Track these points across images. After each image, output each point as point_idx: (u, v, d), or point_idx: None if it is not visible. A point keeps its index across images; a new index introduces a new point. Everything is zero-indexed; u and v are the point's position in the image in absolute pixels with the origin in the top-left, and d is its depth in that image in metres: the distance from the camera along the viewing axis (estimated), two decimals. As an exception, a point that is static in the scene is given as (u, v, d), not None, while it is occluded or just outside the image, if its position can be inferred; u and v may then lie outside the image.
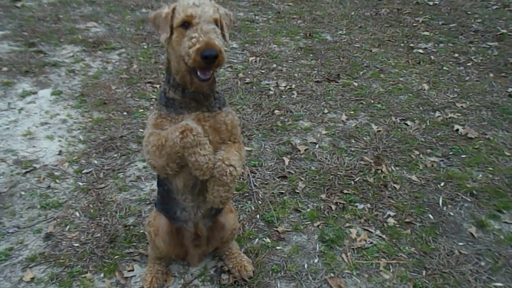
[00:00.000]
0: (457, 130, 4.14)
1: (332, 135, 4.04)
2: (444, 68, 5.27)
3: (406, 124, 4.22)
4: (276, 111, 4.33)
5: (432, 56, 5.53)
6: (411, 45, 5.81)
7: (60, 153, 3.76)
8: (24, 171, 3.53)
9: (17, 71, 4.94)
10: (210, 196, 2.08)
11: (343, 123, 4.22)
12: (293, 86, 4.77)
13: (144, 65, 5.09)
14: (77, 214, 3.12)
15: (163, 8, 2.02)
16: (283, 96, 4.58)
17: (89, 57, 5.30)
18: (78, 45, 5.59)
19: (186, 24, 1.90)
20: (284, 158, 3.72)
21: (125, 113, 4.26)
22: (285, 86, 4.75)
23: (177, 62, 1.98)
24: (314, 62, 5.26)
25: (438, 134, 4.08)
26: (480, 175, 3.57)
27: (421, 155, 3.80)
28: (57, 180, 3.44)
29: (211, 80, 1.97)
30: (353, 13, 6.83)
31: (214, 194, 2.06)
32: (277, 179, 3.49)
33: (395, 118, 4.29)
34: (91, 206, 3.19)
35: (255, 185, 3.41)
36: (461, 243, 2.95)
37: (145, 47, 5.54)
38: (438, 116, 4.35)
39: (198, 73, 1.90)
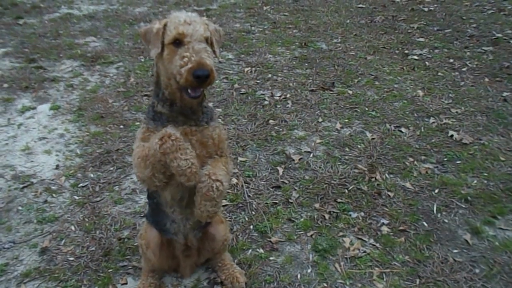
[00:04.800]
0: (452, 136, 4.15)
1: (326, 143, 4.06)
2: (439, 74, 5.29)
3: (401, 131, 4.23)
4: (270, 121, 4.36)
5: (427, 62, 5.55)
6: (406, 51, 5.84)
7: (57, 167, 3.80)
8: (21, 186, 3.58)
9: (17, 87, 5.01)
10: (197, 211, 2.09)
11: (337, 132, 4.24)
12: (288, 95, 4.80)
13: (141, 78, 5.15)
14: (73, 228, 3.15)
15: (153, 23, 2.05)
16: (278, 106, 4.62)
17: (88, 72, 5.37)
18: (77, 60, 5.66)
19: (178, 42, 1.94)
20: (278, 168, 3.74)
21: (121, 126, 4.30)
22: (280, 96, 4.79)
23: (167, 78, 2.01)
24: (309, 71, 5.30)
25: (433, 141, 4.09)
26: (475, 181, 3.58)
27: (415, 162, 3.81)
28: (54, 195, 3.48)
29: (201, 97, 2.00)
30: (348, 21, 6.87)
31: (201, 209, 2.07)
32: (271, 189, 3.51)
33: (390, 125, 4.31)
34: (86, 219, 3.22)
35: (249, 196, 3.43)
36: (455, 251, 2.95)
37: (142, 60, 5.61)
38: (433, 122, 4.36)
39: (189, 90, 1.94)
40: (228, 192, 3.45)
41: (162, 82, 2.06)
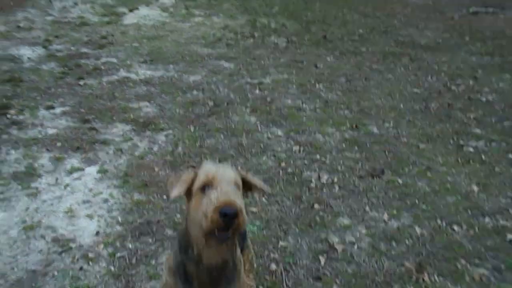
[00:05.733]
0: (511, 241, 3.86)
1: (372, 235, 3.88)
2: (496, 169, 5.03)
3: (453, 229, 3.98)
4: (316, 205, 4.23)
5: (483, 156, 5.32)
6: (461, 142, 5.63)
7: (97, 233, 3.80)
8: (60, 250, 3.58)
9: (69, 146, 5.17)
10: None
11: (384, 223, 4.05)
12: (335, 179, 4.68)
13: (189, 148, 5.20)
14: (104, 302, 3.08)
15: (183, 172, 2.06)
16: (324, 190, 4.50)
17: (138, 137, 5.48)
18: (129, 124, 5.81)
19: (206, 186, 1.91)
20: (320, 257, 3.58)
21: (164, 196, 4.29)
22: (327, 179, 4.67)
23: (194, 228, 1.95)
24: (359, 156, 5.19)
25: (488, 243, 3.82)
26: (537, 295, 3.27)
27: (468, 266, 3.54)
28: (90, 262, 3.45)
29: (231, 244, 1.93)
30: (401, 105, 6.79)
31: None
32: (311, 280, 3.34)
33: (441, 222, 4.07)
34: (118, 294, 3.14)
35: (287, 285, 3.27)
36: None
37: (192, 130, 5.68)
38: (488, 223, 4.09)
39: (216, 233, 1.83)
40: (265, 279, 3.31)
41: (192, 234, 2.00)
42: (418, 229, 3.96)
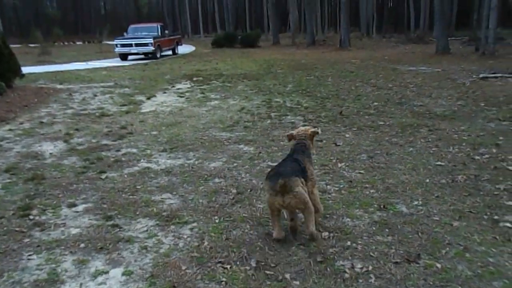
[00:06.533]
0: None
1: (418, 332, 3.59)
2: (540, 246, 4.76)
3: (507, 321, 3.68)
4: (353, 299, 3.99)
5: (522, 231, 5.06)
6: (496, 217, 5.37)
7: None
8: None
9: (93, 247, 5.04)
10: None
11: (429, 316, 3.77)
12: (370, 267, 4.44)
13: (215, 241, 5.04)
14: None
15: None
16: (360, 280, 4.25)
17: (162, 232, 5.35)
18: (153, 219, 5.70)
19: None
20: None
21: (193, 298, 4.10)
22: (361, 268, 4.44)
23: None
24: (391, 239, 4.96)
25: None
26: None
27: None
28: None
29: None
30: (427, 180, 6.62)
31: None
32: None
33: (491, 312, 3.78)
34: None
35: None
36: None
37: (217, 221, 5.55)
38: (543, 310, 3.78)
39: None
40: None
41: None
42: (467, 322, 3.67)
